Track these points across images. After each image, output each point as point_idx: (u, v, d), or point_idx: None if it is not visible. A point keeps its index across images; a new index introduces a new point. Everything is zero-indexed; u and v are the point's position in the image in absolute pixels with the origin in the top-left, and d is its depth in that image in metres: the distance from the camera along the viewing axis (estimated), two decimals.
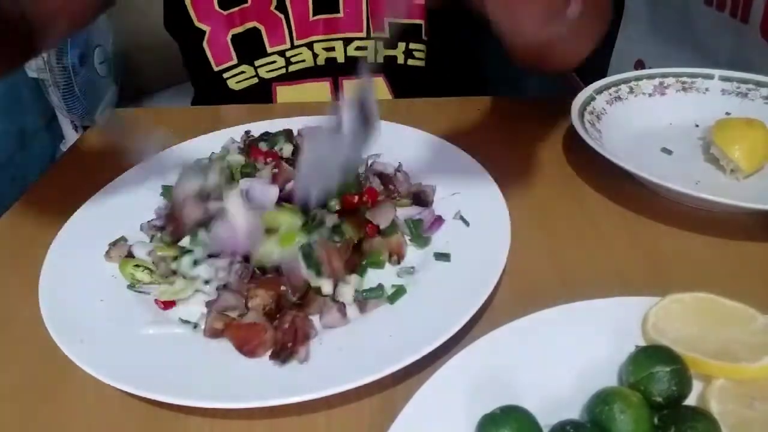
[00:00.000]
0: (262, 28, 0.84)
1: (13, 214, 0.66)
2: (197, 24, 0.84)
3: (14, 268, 0.57)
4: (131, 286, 0.52)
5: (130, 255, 0.54)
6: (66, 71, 1.68)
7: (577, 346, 0.42)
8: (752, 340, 0.40)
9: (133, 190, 0.63)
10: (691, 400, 0.38)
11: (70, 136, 1.88)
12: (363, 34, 0.84)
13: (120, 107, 1.82)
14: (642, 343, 0.42)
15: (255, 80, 0.87)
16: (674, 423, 0.35)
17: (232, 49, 0.85)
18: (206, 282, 0.50)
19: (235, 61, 0.86)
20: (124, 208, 0.60)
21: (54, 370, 0.46)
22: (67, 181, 0.70)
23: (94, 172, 0.67)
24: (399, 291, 0.49)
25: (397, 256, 0.53)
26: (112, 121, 0.47)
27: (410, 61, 0.86)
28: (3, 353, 0.49)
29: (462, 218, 0.56)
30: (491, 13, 0.42)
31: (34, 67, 1.67)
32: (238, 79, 0.87)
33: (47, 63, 1.63)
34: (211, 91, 0.91)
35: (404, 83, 0.88)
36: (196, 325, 0.47)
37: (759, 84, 0.71)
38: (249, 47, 0.85)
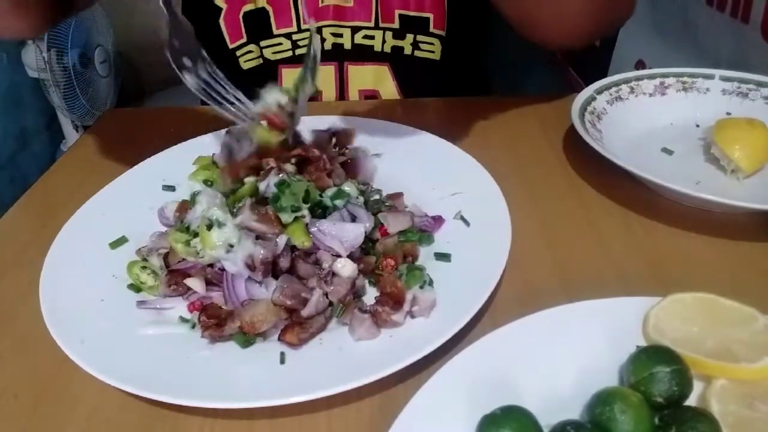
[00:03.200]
0: (270, 9, 0.84)
1: (13, 214, 0.66)
2: (216, 1, 0.85)
3: (14, 268, 0.57)
4: (132, 286, 0.52)
5: (144, 258, 0.54)
6: (66, 71, 1.68)
7: (577, 346, 0.42)
8: (752, 340, 0.40)
9: (133, 189, 0.63)
10: (691, 401, 0.38)
11: (70, 136, 1.88)
12: (371, 24, 0.85)
13: (120, 107, 1.83)
14: (642, 343, 0.42)
15: (260, 60, 0.88)
16: (675, 423, 0.35)
17: (243, 26, 0.86)
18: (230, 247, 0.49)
19: (244, 39, 0.87)
20: (125, 208, 0.60)
21: (54, 370, 0.46)
22: (67, 181, 0.70)
23: (94, 172, 0.67)
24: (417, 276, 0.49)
25: (411, 257, 0.53)
26: None
27: (417, 53, 0.87)
28: (3, 353, 0.49)
29: (462, 218, 0.56)
30: None
31: (34, 67, 1.67)
32: (247, 57, 0.88)
33: (47, 63, 1.63)
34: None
35: (410, 74, 0.89)
36: (194, 325, 0.47)
37: (759, 84, 0.71)
38: (257, 26, 0.86)
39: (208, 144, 0.69)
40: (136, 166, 0.66)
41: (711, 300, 0.43)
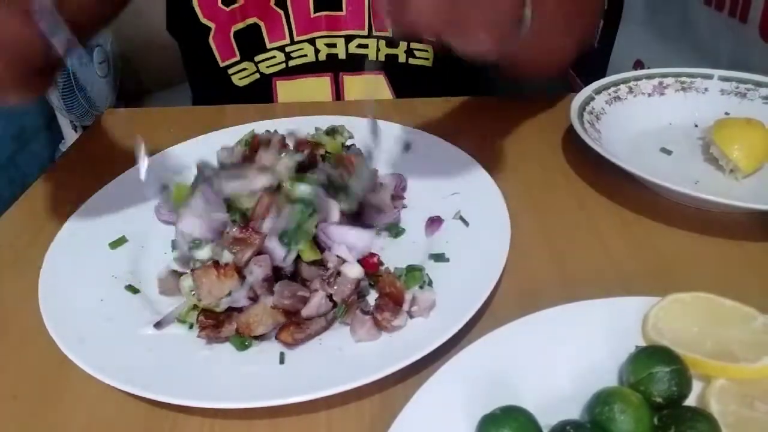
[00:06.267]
0: (261, 24, 0.84)
1: (13, 214, 0.66)
2: (203, 21, 0.85)
3: (14, 268, 0.57)
4: (130, 287, 0.52)
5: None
6: (66, 71, 1.68)
7: (577, 346, 0.42)
8: (752, 340, 0.40)
9: (133, 189, 0.63)
10: (691, 401, 0.38)
11: (70, 136, 1.88)
12: (364, 32, 0.85)
13: (120, 107, 1.82)
14: (642, 343, 0.42)
15: (257, 76, 0.88)
16: (674, 423, 0.35)
17: (235, 45, 0.86)
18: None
19: (238, 57, 0.87)
20: (124, 208, 0.60)
21: (54, 370, 0.46)
22: (67, 181, 0.70)
23: (94, 172, 0.67)
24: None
25: None
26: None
27: (411, 60, 0.87)
28: (3, 353, 0.48)
29: (462, 218, 0.56)
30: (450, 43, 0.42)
31: None
32: (242, 75, 0.88)
33: None
34: (213, 89, 0.91)
35: (405, 82, 0.89)
36: (192, 325, 0.47)
37: (758, 84, 0.71)
38: (250, 43, 0.86)
39: (208, 144, 0.68)
40: (135, 166, 0.66)
41: (711, 300, 0.43)
